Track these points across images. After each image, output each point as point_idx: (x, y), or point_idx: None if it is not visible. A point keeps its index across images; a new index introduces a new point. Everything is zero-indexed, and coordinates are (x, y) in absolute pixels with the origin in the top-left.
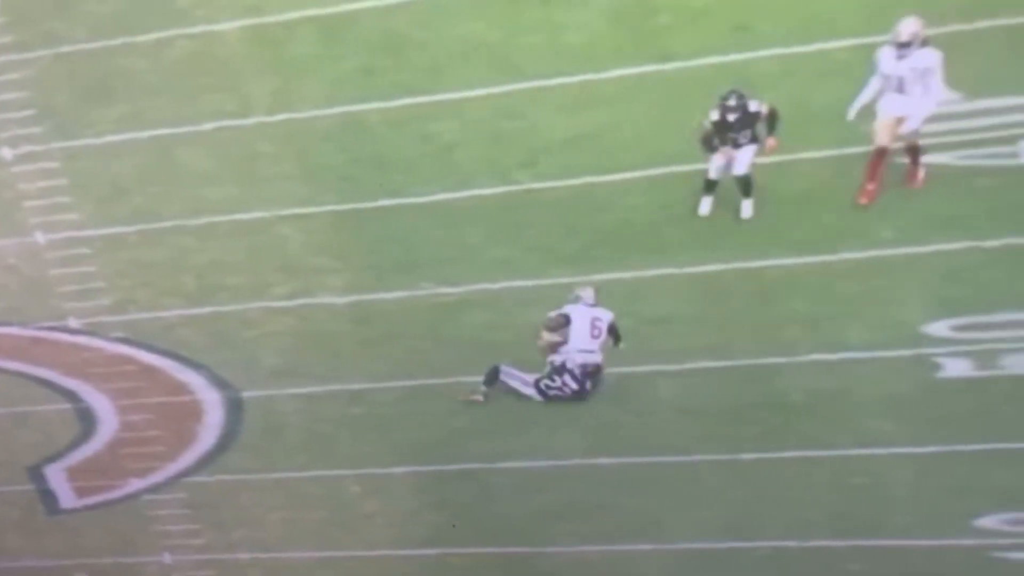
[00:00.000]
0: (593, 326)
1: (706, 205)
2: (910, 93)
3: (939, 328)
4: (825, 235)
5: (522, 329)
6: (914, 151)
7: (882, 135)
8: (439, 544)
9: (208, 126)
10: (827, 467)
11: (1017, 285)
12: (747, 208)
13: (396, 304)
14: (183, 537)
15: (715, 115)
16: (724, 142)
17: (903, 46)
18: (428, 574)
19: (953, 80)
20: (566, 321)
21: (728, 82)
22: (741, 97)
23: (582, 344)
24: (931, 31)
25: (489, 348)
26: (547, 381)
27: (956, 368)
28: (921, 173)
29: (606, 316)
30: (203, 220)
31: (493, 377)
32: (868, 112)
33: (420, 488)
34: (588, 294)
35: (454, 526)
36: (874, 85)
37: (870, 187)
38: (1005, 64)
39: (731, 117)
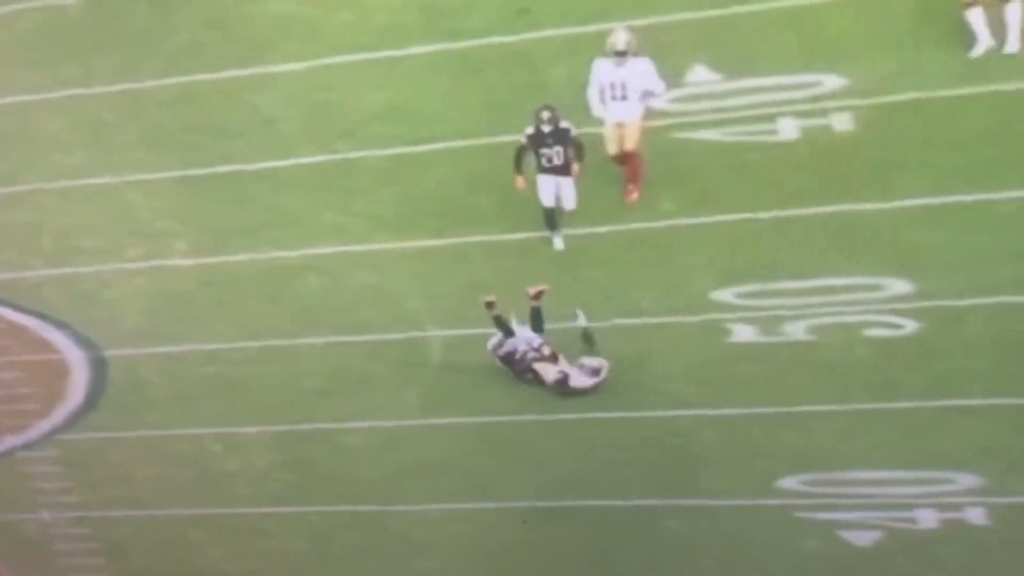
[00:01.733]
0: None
1: (558, 241)
2: (631, 98)
3: (725, 295)
4: (613, 206)
5: (356, 292)
6: (632, 159)
7: (612, 143)
8: (296, 502)
9: (58, 95)
10: (642, 428)
11: (790, 255)
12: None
13: (239, 267)
14: (58, 495)
15: (530, 129)
16: (539, 160)
17: (620, 55)
18: (287, 530)
19: (713, 62)
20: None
21: (515, 60)
22: (553, 110)
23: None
24: (689, 16)
25: (326, 311)
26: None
27: (744, 334)
28: (635, 194)
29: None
30: (60, 184)
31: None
32: None
33: (275, 447)
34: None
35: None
36: (595, 97)
37: (629, 187)
38: (758, 47)
39: (546, 129)
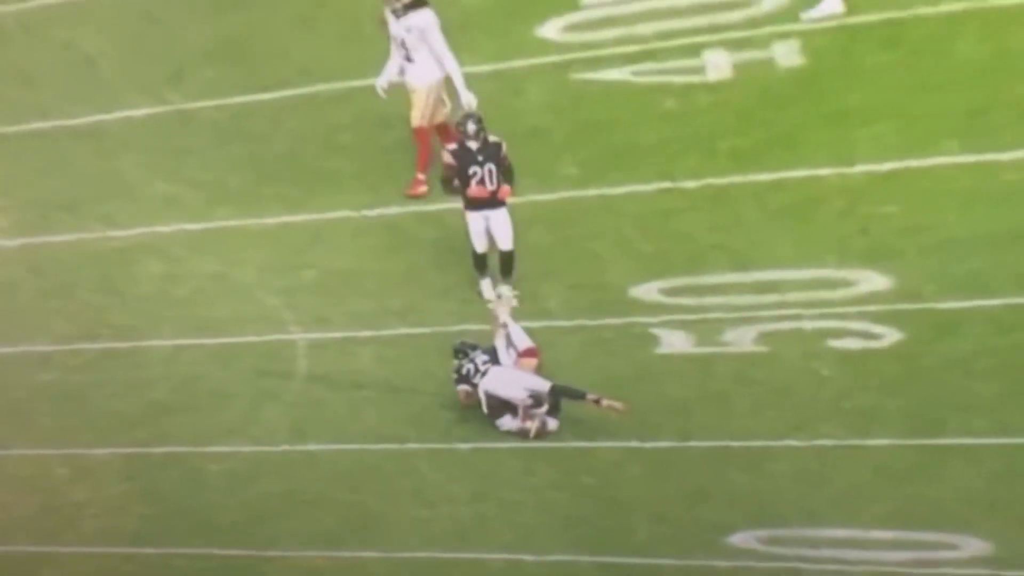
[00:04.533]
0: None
1: (487, 288)
2: (416, 59)
3: (648, 291)
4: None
5: (200, 283)
6: (418, 138)
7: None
8: (155, 542)
9: None
10: (549, 461)
11: (729, 237)
12: (507, 290)
13: (65, 249)
14: None
15: (452, 145)
16: (469, 182)
17: (395, 6)
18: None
19: None
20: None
21: None
22: (479, 121)
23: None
24: None
25: (169, 306)
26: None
27: (674, 342)
28: (421, 188)
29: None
30: None
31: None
32: None
33: (127, 474)
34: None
35: None
36: (394, 54)
37: (419, 176)
38: None
39: (473, 145)
